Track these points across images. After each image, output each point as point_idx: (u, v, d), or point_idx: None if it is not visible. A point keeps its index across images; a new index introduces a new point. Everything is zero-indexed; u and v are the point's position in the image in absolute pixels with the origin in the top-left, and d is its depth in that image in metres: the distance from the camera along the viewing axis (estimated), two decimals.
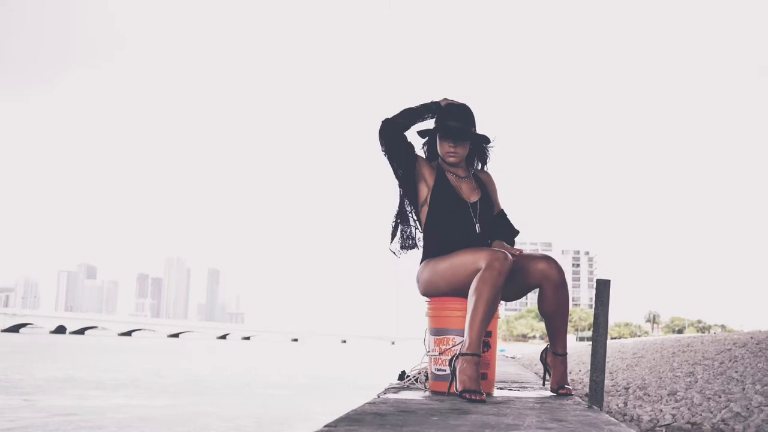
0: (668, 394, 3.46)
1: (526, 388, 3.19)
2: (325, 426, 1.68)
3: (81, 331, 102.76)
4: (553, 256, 2.84)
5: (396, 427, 1.69)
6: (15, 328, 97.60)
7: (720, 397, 3.21)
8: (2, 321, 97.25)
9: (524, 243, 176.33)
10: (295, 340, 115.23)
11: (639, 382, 4.36)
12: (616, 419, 2.65)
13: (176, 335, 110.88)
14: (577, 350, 15.60)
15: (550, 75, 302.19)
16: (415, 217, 3.05)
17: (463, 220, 2.94)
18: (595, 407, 2.39)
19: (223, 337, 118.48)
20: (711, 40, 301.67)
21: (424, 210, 2.98)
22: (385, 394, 2.68)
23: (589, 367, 7.24)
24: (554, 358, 2.88)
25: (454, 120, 2.96)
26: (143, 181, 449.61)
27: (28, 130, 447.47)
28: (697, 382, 4.10)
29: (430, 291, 2.91)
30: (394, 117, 2.93)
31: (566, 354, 2.86)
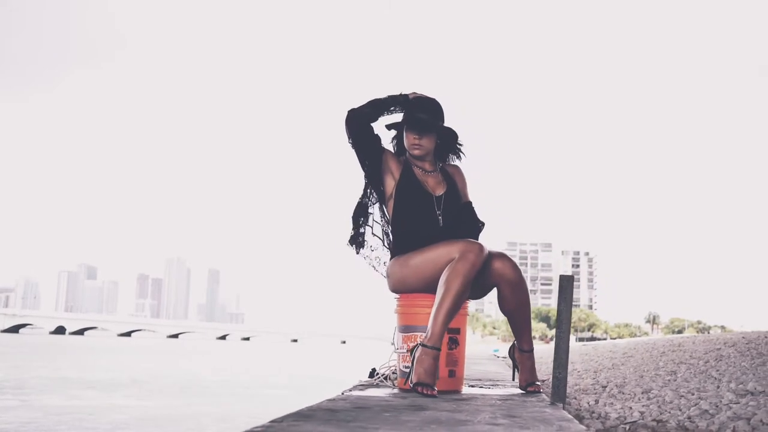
0: (642, 392, 3.45)
1: (498, 385, 3.18)
2: (271, 421, 1.67)
3: (80, 332, 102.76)
4: (508, 254, 2.82)
5: (343, 423, 1.68)
6: (15, 329, 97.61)
7: (693, 395, 3.20)
8: (2, 321, 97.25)
9: (524, 243, 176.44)
10: (295, 340, 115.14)
11: (619, 381, 4.35)
12: (583, 416, 2.64)
13: (176, 336, 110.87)
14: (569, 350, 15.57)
15: (551, 75, 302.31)
16: (380, 212, 3.02)
17: (427, 214, 2.92)
18: (558, 404, 2.38)
19: (223, 337, 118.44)
20: (711, 40, 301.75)
21: (391, 204, 2.96)
22: (350, 391, 2.67)
23: (574, 367, 7.24)
24: (521, 355, 2.88)
25: (420, 112, 2.94)
26: (143, 182, 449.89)
27: (28, 130, 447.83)
28: (676, 380, 4.09)
29: (401, 287, 2.88)
30: (360, 107, 2.91)
31: (533, 350, 2.86)
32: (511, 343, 2.98)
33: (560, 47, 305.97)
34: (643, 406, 2.91)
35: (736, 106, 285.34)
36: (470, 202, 3.10)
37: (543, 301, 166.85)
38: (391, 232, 2.99)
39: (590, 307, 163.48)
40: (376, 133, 2.96)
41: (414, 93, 3.02)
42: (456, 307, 2.62)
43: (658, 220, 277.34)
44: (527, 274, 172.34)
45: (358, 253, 3.04)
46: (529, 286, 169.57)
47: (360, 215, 3.02)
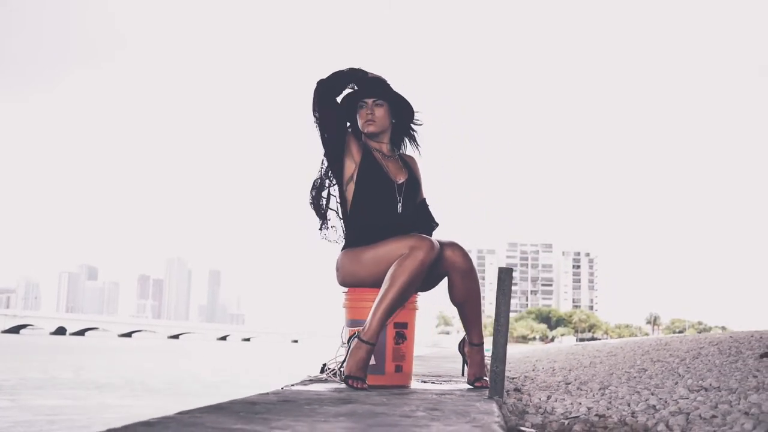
0: (600, 389, 3.43)
1: (451, 381, 3.16)
2: (178, 413, 1.66)
3: (81, 332, 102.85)
4: (459, 243, 2.78)
5: (250, 414, 1.66)
6: (15, 329, 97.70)
7: (648, 391, 3.17)
8: (2, 322, 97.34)
9: (524, 244, 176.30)
10: (295, 341, 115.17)
11: (586, 378, 4.33)
12: (527, 411, 2.61)
13: (176, 336, 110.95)
14: (546, 350, 15.54)
15: (551, 75, 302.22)
16: (337, 196, 2.93)
17: (387, 200, 2.86)
18: (497, 398, 2.36)
19: (223, 338, 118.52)
20: (711, 40, 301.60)
21: (350, 188, 2.87)
22: (293, 386, 2.65)
23: (552, 365, 7.21)
24: (471, 348, 2.85)
25: (370, 82, 2.88)
26: (144, 182, 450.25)
27: (28, 131, 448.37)
28: (641, 378, 4.07)
29: (350, 281, 2.85)
30: (327, 78, 2.83)
31: (482, 343, 2.84)
32: (461, 339, 2.96)
33: (560, 47, 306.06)
34: (593, 401, 2.88)
35: (736, 106, 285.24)
36: (425, 200, 3.07)
37: (544, 302, 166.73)
38: (348, 219, 2.90)
39: (591, 308, 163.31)
40: (340, 106, 2.88)
41: (374, 74, 2.95)
42: (398, 303, 2.60)
43: (659, 221, 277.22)
44: (527, 275, 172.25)
45: (322, 235, 2.95)
46: (530, 287, 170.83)
47: (320, 195, 2.93)
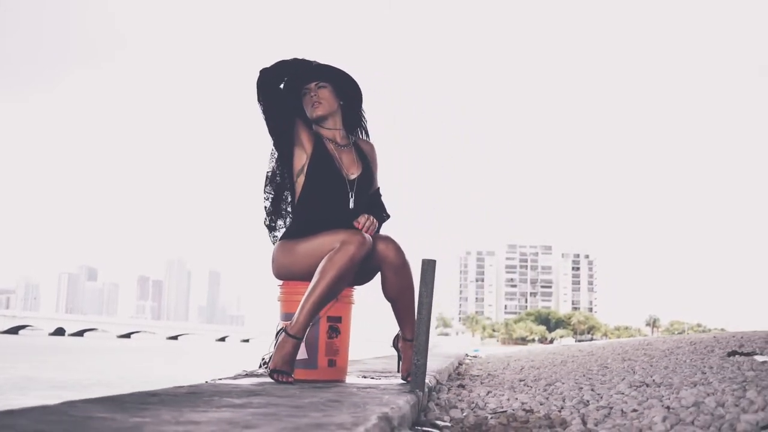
0: (547, 385, 3.41)
1: (391, 377, 3.14)
2: (63, 403, 1.64)
3: (80, 333, 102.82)
4: (393, 238, 2.72)
5: (139, 405, 1.64)
6: (14, 330, 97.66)
7: (589, 387, 3.16)
8: (1, 323, 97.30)
9: (524, 246, 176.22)
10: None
11: (542, 375, 4.32)
12: (455, 406, 2.59)
13: (175, 338, 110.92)
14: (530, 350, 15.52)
15: (551, 75, 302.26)
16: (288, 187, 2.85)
17: (339, 197, 2.79)
18: (418, 391, 2.34)
19: (222, 339, 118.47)
20: (711, 40, 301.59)
21: (300, 180, 2.80)
22: (219, 380, 2.64)
23: (522, 364, 7.19)
24: (404, 344, 2.83)
25: (312, 67, 2.82)
26: (144, 184, 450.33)
27: (28, 131, 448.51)
28: (596, 376, 4.05)
29: (284, 274, 2.81)
30: (269, 67, 2.78)
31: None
32: (396, 334, 2.93)
33: (560, 48, 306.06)
34: (530, 397, 2.87)
35: (736, 106, 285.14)
36: (378, 190, 2.99)
37: (543, 303, 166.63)
38: (293, 212, 2.84)
39: (590, 309, 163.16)
40: (284, 94, 2.81)
41: (319, 63, 2.88)
42: (327, 298, 2.56)
43: (659, 223, 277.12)
44: (527, 276, 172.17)
45: (271, 234, 2.90)
46: (529, 289, 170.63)
47: (273, 188, 2.86)
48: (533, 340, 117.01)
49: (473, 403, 2.73)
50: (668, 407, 2.31)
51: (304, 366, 2.76)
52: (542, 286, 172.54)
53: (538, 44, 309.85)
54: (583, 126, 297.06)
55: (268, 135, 2.83)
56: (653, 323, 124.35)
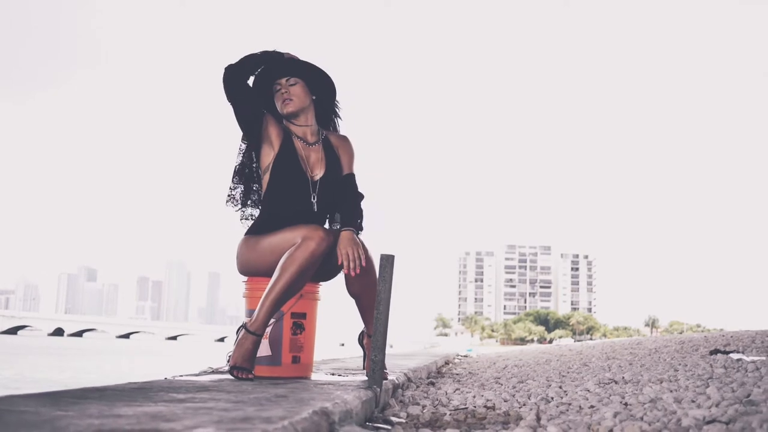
0: (518, 382, 3.40)
1: (358, 374, 3.12)
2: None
3: (79, 334, 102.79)
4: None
5: (73, 399, 1.63)
6: (13, 330, 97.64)
7: (557, 385, 3.15)
8: (0, 323, 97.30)
9: (523, 246, 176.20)
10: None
11: (519, 373, 4.31)
12: (418, 403, 2.58)
13: (174, 338, 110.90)
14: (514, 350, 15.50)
15: (551, 76, 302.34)
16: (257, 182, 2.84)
17: (300, 199, 2.76)
18: (375, 387, 2.33)
19: (221, 339, 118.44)
20: (714, 42, 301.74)
21: (266, 178, 2.78)
22: (180, 376, 2.62)
23: (506, 363, 7.18)
24: (369, 340, 2.81)
25: (282, 61, 2.79)
26: (144, 184, 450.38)
27: (28, 132, 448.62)
28: (570, 374, 4.04)
29: (247, 270, 2.80)
30: (236, 62, 2.74)
31: None
32: (361, 331, 2.92)
33: (561, 49, 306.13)
34: (496, 394, 2.86)
35: (737, 108, 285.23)
36: (352, 174, 2.91)
37: (542, 304, 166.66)
38: (260, 203, 2.83)
39: (589, 310, 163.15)
40: (252, 89, 2.78)
41: (290, 54, 2.84)
42: (287, 294, 2.55)
43: (658, 223, 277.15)
44: (526, 277, 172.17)
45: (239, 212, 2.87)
46: (528, 289, 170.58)
47: (242, 180, 2.84)
48: (532, 341, 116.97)
49: (437, 400, 2.71)
50: (626, 403, 2.30)
51: (268, 363, 2.74)
52: (541, 287, 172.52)
53: (539, 45, 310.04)
54: (582, 126, 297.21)
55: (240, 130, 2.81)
56: (652, 324, 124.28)
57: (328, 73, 2.89)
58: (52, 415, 1.32)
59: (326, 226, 2.89)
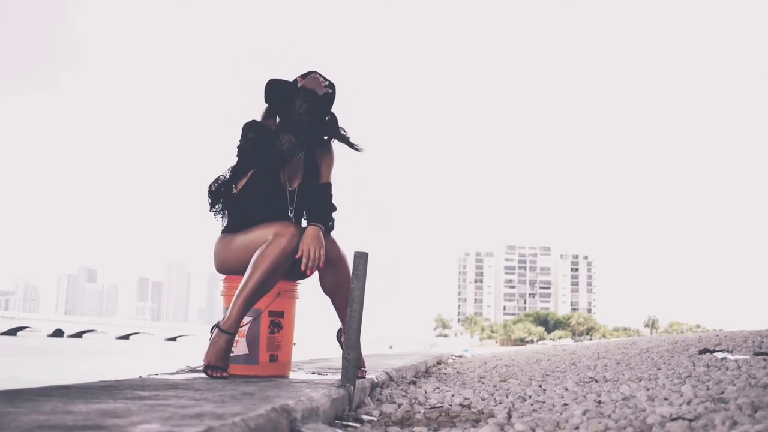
0: (500, 381, 3.40)
1: (338, 372, 3.11)
2: None
3: (79, 335, 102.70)
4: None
5: (33, 396, 1.62)
6: (13, 332, 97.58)
7: (537, 384, 3.14)
8: (0, 324, 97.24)
9: (523, 247, 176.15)
10: (294, 343, 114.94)
11: (503, 372, 4.30)
12: (395, 401, 2.57)
13: (174, 339, 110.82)
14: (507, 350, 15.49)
15: (551, 76, 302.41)
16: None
17: (277, 209, 2.77)
18: (348, 386, 2.32)
19: None
20: (714, 42, 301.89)
21: (241, 184, 2.78)
22: (156, 375, 2.62)
23: (497, 363, 7.17)
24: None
25: (305, 110, 2.71)
26: (144, 185, 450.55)
27: (28, 132, 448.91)
28: (555, 374, 4.03)
29: (224, 268, 2.80)
30: (256, 137, 2.70)
31: None
32: (338, 329, 2.90)
33: (561, 49, 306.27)
34: (475, 393, 2.85)
35: (738, 108, 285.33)
36: (329, 184, 2.88)
37: (542, 304, 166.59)
38: (234, 201, 2.81)
39: (589, 310, 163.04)
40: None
41: (314, 75, 2.75)
42: (260, 292, 2.55)
43: (657, 224, 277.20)
44: (526, 278, 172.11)
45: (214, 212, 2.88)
46: (528, 290, 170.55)
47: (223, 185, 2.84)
48: (532, 341, 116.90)
49: (415, 399, 2.71)
50: (600, 401, 2.29)
51: (245, 361, 2.74)
52: (541, 287, 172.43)
53: (539, 45, 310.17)
54: (582, 126, 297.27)
55: (242, 154, 2.76)
56: (652, 324, 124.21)
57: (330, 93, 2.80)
58: (1, 411, 1.31)
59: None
